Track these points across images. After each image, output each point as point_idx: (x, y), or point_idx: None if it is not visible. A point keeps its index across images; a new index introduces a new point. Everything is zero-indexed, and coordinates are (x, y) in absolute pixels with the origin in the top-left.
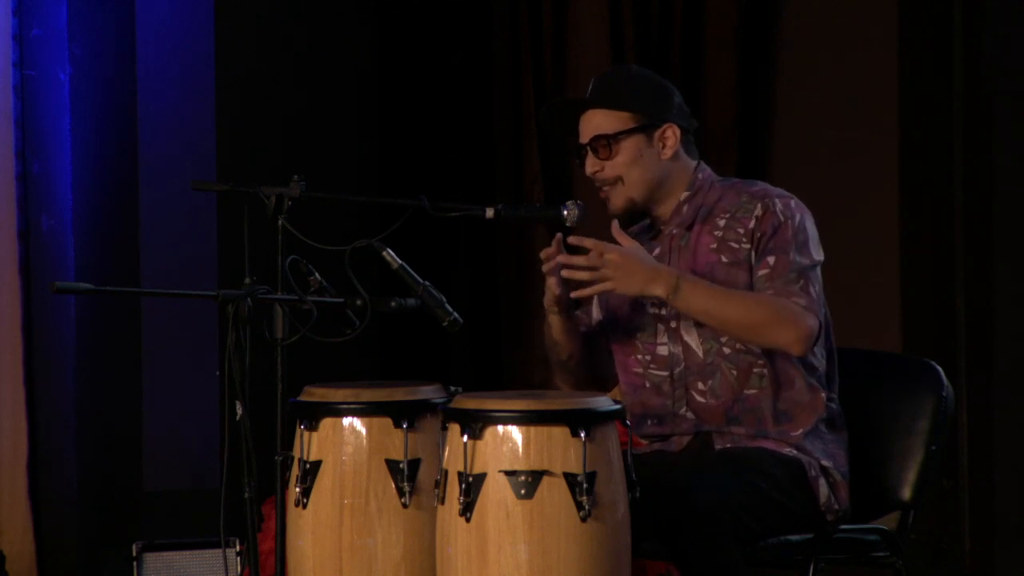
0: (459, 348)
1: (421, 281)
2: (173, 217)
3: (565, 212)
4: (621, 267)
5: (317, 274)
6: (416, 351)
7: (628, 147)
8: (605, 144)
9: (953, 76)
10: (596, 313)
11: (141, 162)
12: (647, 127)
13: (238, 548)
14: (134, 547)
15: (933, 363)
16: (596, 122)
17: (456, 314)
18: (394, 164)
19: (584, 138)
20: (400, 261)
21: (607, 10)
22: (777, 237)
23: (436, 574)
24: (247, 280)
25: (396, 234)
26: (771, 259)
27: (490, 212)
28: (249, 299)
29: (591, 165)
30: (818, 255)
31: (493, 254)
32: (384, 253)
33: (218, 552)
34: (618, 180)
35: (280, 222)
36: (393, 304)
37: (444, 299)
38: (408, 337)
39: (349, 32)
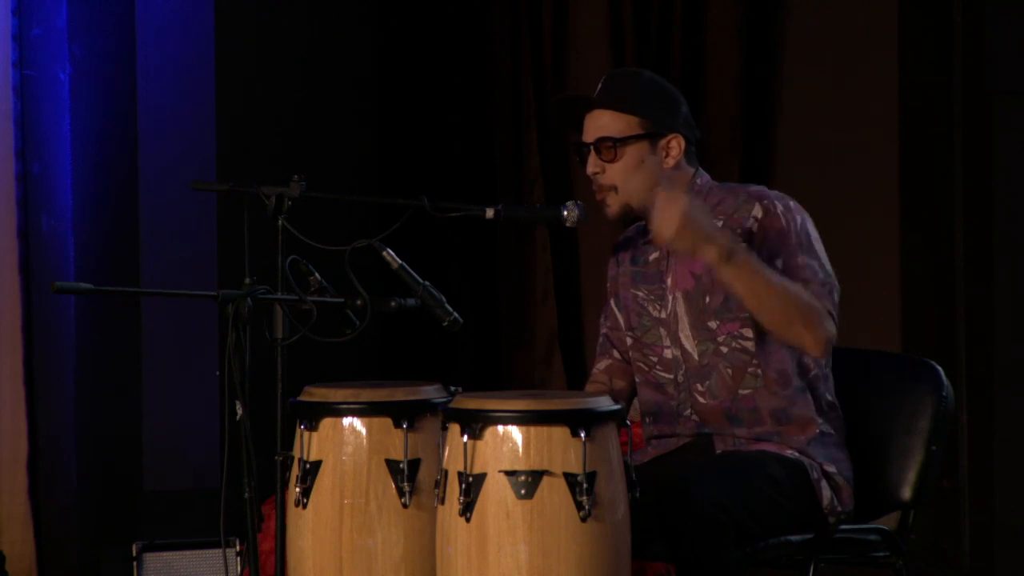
0: (459, 348)
1: (421, 281)
2: (173, 217)
3: (565, 212)
4: (661, 207)
5: (317, 274)
6: (416, 351)
7: (632, 152)
8: (610, 146)
9: (953, 76)
10: (619, 318)
11: (141, 162)
12: (653, 135)
13: (238, 548)
14: (134, 547)
15: (933, 363)
16: (603, 122)
17: (456, 314)
18: (394, 164)
19: (589, 137)
20: (400, 261)
21: (607, 11)
22: (780, 239)
23: (436, 574)
24: (247, 280)
25: (396, 234)
26: (778, 261)
27: (490, 212)
28: (249, 299)
29: (592, 165)
30: (823, 255)
31: (493, 254)
32: (384, 253)
33: (218, 552)
34: (612, 188)
35: (280, 222)
36: (393, 304)
37: (444, 299)
38: (408, 337)
39: (349, 32)
